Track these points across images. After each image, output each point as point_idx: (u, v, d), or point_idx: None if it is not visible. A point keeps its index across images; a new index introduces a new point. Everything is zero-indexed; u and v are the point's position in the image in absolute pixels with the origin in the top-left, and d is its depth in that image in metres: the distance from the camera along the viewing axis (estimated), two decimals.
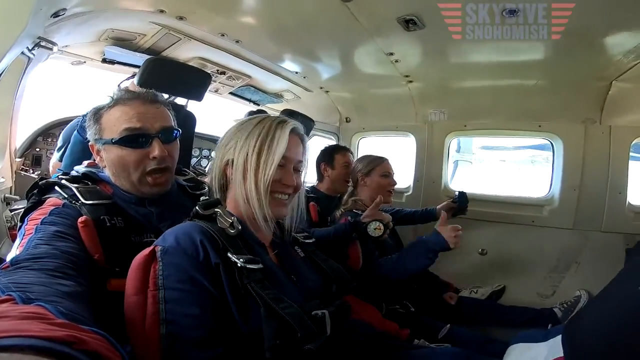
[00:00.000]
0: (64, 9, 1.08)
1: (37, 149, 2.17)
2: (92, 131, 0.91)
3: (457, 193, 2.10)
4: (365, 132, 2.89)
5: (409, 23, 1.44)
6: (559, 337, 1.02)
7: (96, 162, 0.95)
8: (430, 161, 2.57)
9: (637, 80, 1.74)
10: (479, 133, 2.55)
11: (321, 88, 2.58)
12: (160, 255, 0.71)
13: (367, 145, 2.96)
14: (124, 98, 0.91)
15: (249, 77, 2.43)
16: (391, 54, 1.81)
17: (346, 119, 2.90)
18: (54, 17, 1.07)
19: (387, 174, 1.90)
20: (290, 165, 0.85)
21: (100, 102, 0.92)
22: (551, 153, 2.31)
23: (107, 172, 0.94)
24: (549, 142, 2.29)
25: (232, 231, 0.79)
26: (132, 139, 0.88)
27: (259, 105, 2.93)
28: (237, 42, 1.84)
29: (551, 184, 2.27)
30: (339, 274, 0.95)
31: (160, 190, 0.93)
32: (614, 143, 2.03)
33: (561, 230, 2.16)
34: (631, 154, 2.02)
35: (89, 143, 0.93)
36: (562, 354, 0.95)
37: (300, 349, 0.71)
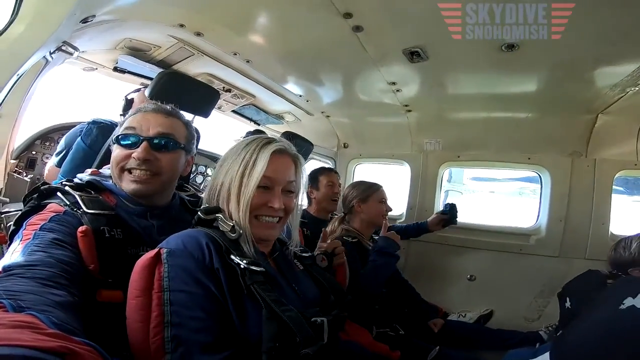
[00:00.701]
0: (94, 16, 1.13)
1: (33, 152, 2.13)
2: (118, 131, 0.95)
3: (447, 205, 2.20)
4: (362, 158, 2.98)
5: (413, 55, 1.55)
6: (547, 355, 1.08)
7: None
8: (424, 190, 2.64)
9: (621, 113, 1.87)
10: (471, 164, 2.66)
11: (322, 112, 2.67)
12: (165, 257, 0.71)
13: (362, 172, 3.03)
14: (147, 108, 0.96)
15: (254, 96, 2.51)
16: (393, 83, 1.93)
17: (344, 144, 2.99)
18: (82, 23, 1.12)
19: (384, 200, 1.96)
20: (278, 187, 0.85)
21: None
22: (539, 185, 2.42)
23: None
24: (537, 175, 2.41)
25: (233, 235, 0.80)
26: (124, 138, 0.91)
27: (259, 125, 3.00)
28: (248, 61, 1.93)
29: (538, 215, 2.36)
30: (336, 287, 0.98)
31: (141, 189, 0.90)
32: (599, 176, 2.15)
33: (547, 258, 2.23)
34: (614, 187, 2.13)
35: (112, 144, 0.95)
36: None
37: (297, 353, 0.71)
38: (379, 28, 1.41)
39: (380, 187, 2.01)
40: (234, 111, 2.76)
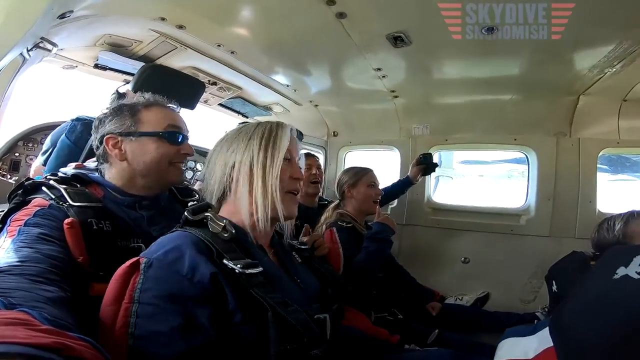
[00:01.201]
0: (71, 11, 1.10)
1: (17, 154, 2.09)
2: (124, 123, 0.95)
3: (421, 155, 2.31)
4: (352, 146, 2.99)
5: (397, 40, 1.55)
6: (546, 329, 1.08)
7: (109, 154, 0.95)
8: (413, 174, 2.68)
9: (601, 94, 1.91)
10: (459, 147, 2.70)
11: (310, 102, 2.67)
12: (143, 267, 0.67)
13: (353, 159, 3.05)
14: (160, 102, 1.02)
15: (240, 88, 2.48)
16: (379, 69, 1.93)
17: (334, 133, 2.99)
18: (59, 19, 1.09)
19: (373, 184, 1.98)
20: (295, 158, 0.88)
21: (122, 100, 1.02)
22: (526, 167, 2.48)
23: (118, 167, 0.95)
24: (524, 155, 2.46)
25: (225, 235, 0.76)
26: (174, 136, 0.97)
27: (247, 117, 2.98)
28: (232, 53, 1.90)
29: (527, 195, 2.41)
30: (336, 277, 0.99)
31: (181, 180, 1.03)
32: (583, 155, 2.20)
33: (538, 238, 2.29)
34: (599, 165, 2.19)
35: (107, 135, 0.94)
36: (551, 344, 1.00)
37: (306, 354, 0.71)
38: (362, 14, 1.41)
39: (369, 170, 2.02)
40: (221, 104, 2.74)
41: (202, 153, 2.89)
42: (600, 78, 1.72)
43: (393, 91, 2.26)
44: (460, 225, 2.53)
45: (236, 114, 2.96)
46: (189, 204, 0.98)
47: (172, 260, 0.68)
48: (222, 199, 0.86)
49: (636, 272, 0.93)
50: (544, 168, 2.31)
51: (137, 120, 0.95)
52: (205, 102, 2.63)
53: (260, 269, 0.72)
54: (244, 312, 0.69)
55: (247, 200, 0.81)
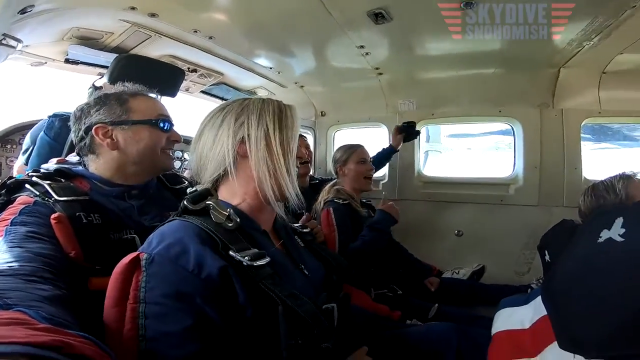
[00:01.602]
0: (32, 5, 1.04)
1: None
2: (113, 112, 0.94)
3: (403, 123, 2.38)
4: (340, 124, 2.96)
5: (377, 16, 1.52)
6: (539, 298, 1.09)
7: (98, 144, 0.93)
8: (402, 149, 2.68)
9: (580, 66, 1.93)
10: (445, 121, 2.71)
11: (296, 83, 2.61)
12: (145, 264, 0.63)
13: (343, 138, 3.04)
14: (145, 92, 1.04)
15: (222, 74, 2.41)
16: (362, 47, 1.89)
17: (321, 112, 2.96)
18: (20, 14, 1.03)
19: (364, 160, 1.98)
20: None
21: (103, 91, 1.02)
22: (512, 138, 2.50)
23: (107, 157, 0.94)
24: (510, 127, 2.49)
25: (230, 225, 0.71)
26: (164, 123, 0.99)
27: None
28: (211, 38, 1.83)
29: (514, 164, 2.46)
30: (340, 261, 0.96)
31: (172, 165, 1.07)
32: (566, 124, 2.24)
33: (528, 208, 2.35)
34: (583, 135, 2.24)
35: (96, 125, 0.92)
36: (546, 313, 1.01)
37: (317, 346, 0.70)
38: None
39: (359, 147, 2.03)
40: (203, 92, 2.66)
41: (188, 141, 2.89)
42: (579, 51, 1.73)
43: (377, 68, 2.22)
44: (451, 197, 2.58)
45: (220, 100, 2.89)
46: (188, 190, 0.84)
47: (175, 255, 0.64)
48: (218, 180, 0.80)
49: (619, 234, 0.95)
50: (529, 138, 2.34)
51: (128, 109, 0.95)
52: (187, 90, 2.56)
53: (268, 259, 0.69)
54: (254, 307, 0.66)
55: (261, 177, 0.76)
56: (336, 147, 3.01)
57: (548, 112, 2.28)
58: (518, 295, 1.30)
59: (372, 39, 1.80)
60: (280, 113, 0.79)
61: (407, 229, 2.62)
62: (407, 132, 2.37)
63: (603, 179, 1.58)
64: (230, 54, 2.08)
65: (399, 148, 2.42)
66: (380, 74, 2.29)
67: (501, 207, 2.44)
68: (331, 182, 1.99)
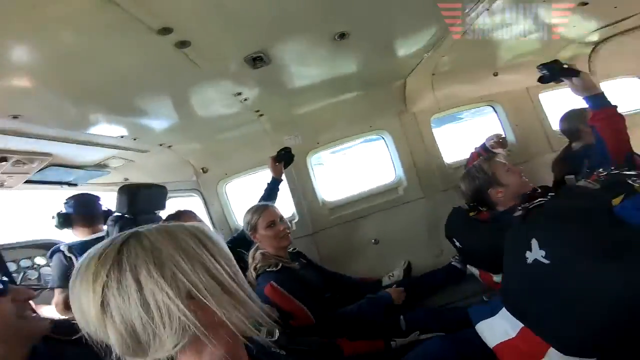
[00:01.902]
0: None
1: None
2: None
3: (280, 151, 2.34)
4: (228, 177, 2.67)
5: (255, 60, 1.37)
6: (504, 309, 1.16)
7: None
8: (301, 181, 2.65)
9: (420, 75, 2.30)
10: (330, 145, 2.80)
11: (161, 145, 2.16)
12: None
13: (236, 189, 2.75)
14: None
15: (49, 155, 1.74)
16: (239, 93, 1.70)
17: (202, 169, 2.57)
18: None
19: (272, 222, 1.82)
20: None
21: None
22: (379, 142, 2.82)
23: None
24: (382, 138, 2.79)
25: None
26: None
27: (76, 185, 2.18)
28: (16, 117, 1.26)
29: (395, 169, 2.78)
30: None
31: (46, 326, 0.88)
32: (421, 124, 2.68)
33: (417, 201, 2.68)
34: (434, 125, 2.74)
35: None
36: (522, 325, 1.07)
37: None
38: (211, 39, 1.15)
39: (265, 208, 1.88)
40: (29, 181, 1.86)
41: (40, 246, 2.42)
42: (420, 62, 2.05)
43: (257, 111, 2.08)
44: (357, 214, 2.69)
45: (57, 186, 2.11)
46: None
47: None
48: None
49: (542, 256, 1.03)
50: (398, 142, 2.69)
51: None
52: (1, 185, 1.74)
53: None
54: None
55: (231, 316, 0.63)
56: (232, 200, 2.69)
57: (405, 117, 2.67)
58: (482, 305, 1.37)
59: (248, 84, 1.65)
60: (198, 240, 0.66)
61: (334, 256, 2.59)
62: (285, 159, 2.34)
63: (474, 163, 1.93)
64: (55, 131, 1.51)
65: (282, 177, 2.35)
66: (261, 115, 2.15)
67: (397, 208, 2.70)
68: (254, 247, 1.82)
